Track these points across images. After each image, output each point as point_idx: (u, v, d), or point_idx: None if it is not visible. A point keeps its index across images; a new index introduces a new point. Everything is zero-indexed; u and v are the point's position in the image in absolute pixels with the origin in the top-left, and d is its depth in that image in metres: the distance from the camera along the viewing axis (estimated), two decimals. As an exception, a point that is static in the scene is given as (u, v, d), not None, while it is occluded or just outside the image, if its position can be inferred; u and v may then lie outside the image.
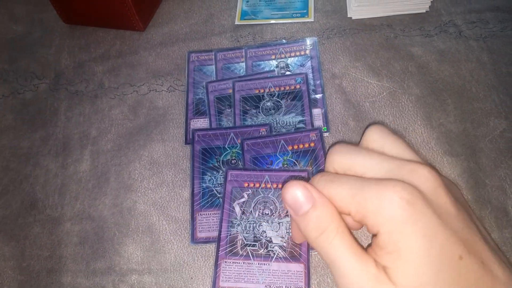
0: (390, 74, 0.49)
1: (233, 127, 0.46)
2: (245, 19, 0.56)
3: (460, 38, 0.50)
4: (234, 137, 0.44)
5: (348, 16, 0.54)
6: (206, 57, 0.52)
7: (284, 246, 0.39)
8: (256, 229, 0.39)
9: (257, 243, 0.39)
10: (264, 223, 0.39)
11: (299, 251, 0.39)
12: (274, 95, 0.47)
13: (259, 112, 0.46)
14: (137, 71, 0.54)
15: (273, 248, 0.39)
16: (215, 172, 0.43)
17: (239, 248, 0.39)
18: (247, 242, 0.39)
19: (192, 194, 0.43)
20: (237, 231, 0.40)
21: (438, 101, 0.46)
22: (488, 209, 0.39)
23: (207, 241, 0.41)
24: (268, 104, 0.46)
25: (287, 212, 0.40)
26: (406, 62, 0.49)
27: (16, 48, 0.59)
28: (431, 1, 0.52)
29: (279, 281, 0.38)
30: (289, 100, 0.47)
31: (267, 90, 0.47)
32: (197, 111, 0.49)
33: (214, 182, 0.43)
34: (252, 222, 0.39)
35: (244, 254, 0.39)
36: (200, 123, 0.48)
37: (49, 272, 0.42)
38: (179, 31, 0.57)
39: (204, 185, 0.43)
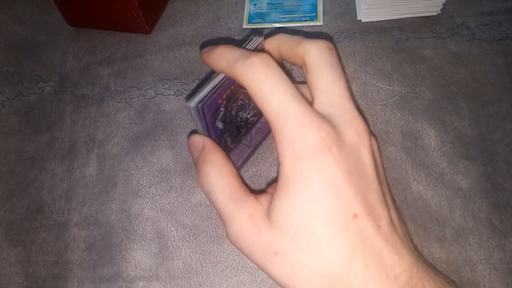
0: (401, 77, 0.48)
1: None
2: (252, 23, 0.55)
3: (473, 41, 0.50)
4: None
5: (358, 19, 0.54)
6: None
7: (255, 113, 0.39)
8: (237, 123, 0.37)
9: (240, 129, 0.38)
10: (240, 113, 0.37)
11: None
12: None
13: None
14: (143, 74, 0.53)
15: (250, 121, 0.39)
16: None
17: (229, 145, 0.38)
18: (233, 136, 0.38)
19: None
20: (225, 138, 0.37)
21: (452, 105, 0.45)
22: (508, 212, 0.39)
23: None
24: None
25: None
26: (418, 65, 0.48)
27: (21, 51, 0.58)
28: (443, 4, 0.51)
29: (258, 136, 0.41)
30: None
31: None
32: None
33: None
34: (233, 120, 0.37)
35: (235, 144, 0.39)
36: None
37: (55, 278, 0.41)
38: (185, 34, 0.56)
39: None
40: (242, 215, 0.23)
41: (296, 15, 0.55)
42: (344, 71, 0.24)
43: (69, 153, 0.48)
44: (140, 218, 0.43)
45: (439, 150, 0.43)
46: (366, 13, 0.53)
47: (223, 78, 0.32)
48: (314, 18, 0.54)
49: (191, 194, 0.43)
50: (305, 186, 0.22)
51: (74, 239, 0.43)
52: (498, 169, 0.41)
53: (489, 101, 0.45)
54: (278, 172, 0.23)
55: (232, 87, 0.34)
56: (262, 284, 0.38)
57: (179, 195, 0.44)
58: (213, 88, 0.32)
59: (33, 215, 0.45)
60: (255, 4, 0.57)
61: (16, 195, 0.46)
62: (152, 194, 0.44)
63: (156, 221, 0.42)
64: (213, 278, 0.39)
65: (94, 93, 0.53)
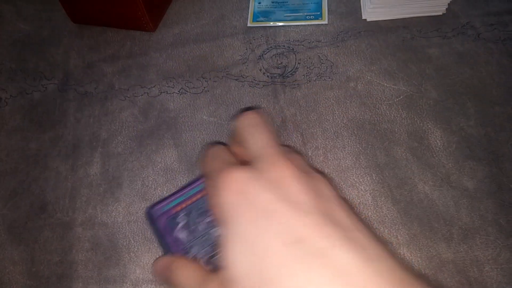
0: (407, 77, 0.48)
1: None
2: (257, 21, 0.55)
3: (478, 41, 0.50)
4: None
5: (363, 18, 0.54)
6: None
7: None
8: (210, 238, 0.35)
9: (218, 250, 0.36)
10: (213, 229, 0.35)
11: None
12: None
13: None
14: (147, 72, 0.53)
15: None
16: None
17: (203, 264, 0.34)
18: (209, 255, 0.36)
19: None
20: (194, 253, 0.34)
21: (458, 105, 0.45)
22: (513, 215, 0.39)
23: None
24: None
25: None
26: (424, 65, 0.48)
27: (24, 48, 0.58)
28: (448, 4, 0.51)
29: None
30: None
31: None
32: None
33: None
34: (203, 235, 0.36)
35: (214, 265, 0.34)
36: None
37: (59, 278, 0.41)
38: (190, 32, 0.56)
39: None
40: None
41: (301, 14, 0.54)
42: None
43: (72, 151, 0.48)
44: (148, 222, 0.42)
45: (445, 150, 0.43)
46: (371, 12, 0.53)
47: (189, 187, 0.34)
48: (319, 16, 0.54)
49: (196, 193, 0.43)
50: (241, 227, 0.22)
51: (79, 239, 0.42)
52: (504, 169, 0.41)
53: (495, 101, 0.45)
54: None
55: (198, 196, 0.35)
56: None
57: (184, 194, 0.43)
58: (171, 195, 0.33)
59: (37, 213, 0.44)
60: (259, 3, 0.56)
61: (19, 193, 0.46)
62: (158, 197, 0.44)
63: (161, 220, 0.42)
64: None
65: (98, 91, 0.52)
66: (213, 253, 0.35)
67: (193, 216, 0.35)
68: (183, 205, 0.35)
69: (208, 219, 0.36)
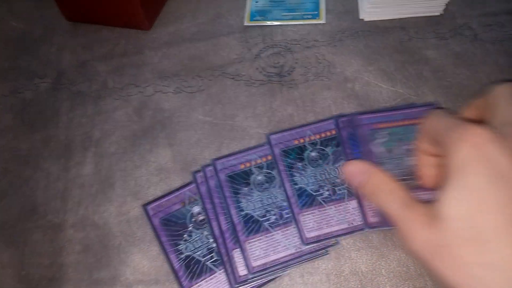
0: (405, 79, 0.47)
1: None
2: (254, 20, 0.54)
3: (476, 41, 0.49)
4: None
5: (360, 17, 0.53)
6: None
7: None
8: (402, 164, 0.40)
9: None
10: (410, 157, 0.40)
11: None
12: (316, 144, 0.44)
13: (306, 164, 0.43)
14: (142, 71, 0.52)
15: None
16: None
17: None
18: (399, 179, 0.39)
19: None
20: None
21: (455, 108, 0.44)
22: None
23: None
24: (313, 154, 0.43)
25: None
26: (421, 66, 0.48)
27: (17, 46, 0.57)
28: (445, 4, 0.51)
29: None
30: (334, 147, 0.43)
31: (307, 139, 0.44)
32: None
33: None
34: (397, 158, 0.40)
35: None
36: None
37: (49, 281, 0.40)
38: (185, 31, 0.55)
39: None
40: (413, 216, 0.24)
41: (299, 13, 0.54)
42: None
43: (65, 151, 0.47)
44: (139, 222, 0.42)
45: (443, 152, 0.42)
46: (369, 12, 0.52)
47: (397, 111, 0.40)
48: (316, 16, 0.53)
49: (191, 195, 0.42)
50: (470, 177, 0.22)
51: (70, 241, 0.41)
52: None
53: (493, 103, 0.44)
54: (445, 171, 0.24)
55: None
56: None
57: (178, 195, 0.43)
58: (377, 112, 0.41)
59: (27, 215, 0.43)
60: (257, 1, 0.56)
61: (10, 194, 0.45)
62: (151, 196, 0.43)
63: (154, 222, 0.41)
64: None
65: (91, 90, 0.51)
66: (402, 178, 0.39)
67: (393, 138, 0.37)
68: (389, 125, 0.39)
69: (407, 146, 0.40)
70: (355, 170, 0.29)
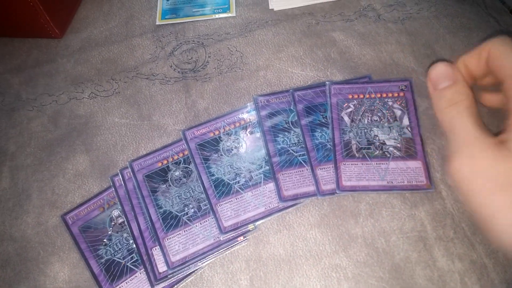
0: (313, 62, 0.49)
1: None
2: (166, 19, 0.54)
3: (379, 21, 0.51)
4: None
5: (270, 8, 0.54)
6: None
7: (398, 146, 0.42)
8: (368, 134, 0.42)
9: (371, 146, 0.42)
10: (374, 128, 0.42)
11: (415, 149, 0.41)
12: (231, 134, 0.44)
13: (222, 155, 0.44)
14: (55, 80, 0.51)
15: (388, 149, 0.42)
16: (286, 133, 0.44)
17: (354, 151, 0.42)
18: (361, 146, 0.42)
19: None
20: (349, 137, 0.42)
21: (360, 85, 0.46)
22: (412, 185, 0.40)
23: (295, 198, 0.41)
24: (228, 144, 0.44)
25: (395, 117, 0.43)
26: (329, 49, 0.50)
27: None
28: (349, -13, 0.53)
29: (400, 177, 0.40)
30: (249, 134, 0.45)
31: (222, 130, 0.45)
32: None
33: (288, 142, 0.43)
34: (363, 128, 0.42)
35: (361, 156, 0.42)
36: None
37: (-31, 301, 0.39)
38: (98, 35, 0.54)
39: (278, 146, 0.43)
40: (487, 140, 0.23)
41: (209, 8, 0.54)
42: None
43: (-21, 168, 0.46)
44: (58, 230, 0.41)
45: (350, 129, 0.44)
46: (277, 1, 0.53)
47: (369, 84, 0.43)
48: (227, 9, 0.54)
49: (109, 198, 0.42)
50: None
51: (-13, 257, 0.41)
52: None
53: (394, 78, 0.46)
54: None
55: (372, 95, 0.43)
56: None
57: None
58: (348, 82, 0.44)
59: None
60: (167, 0, 0.56)
61: None
62: (69, 204, 0.42)
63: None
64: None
65: (5, 103, 0.50)
66: (366, 146, 0.42)
67: (361, 109, 0.43)
68: (359, 96, 0.43)
69: (374, 118, 0.42)
70: (442, 73, 0.27)
